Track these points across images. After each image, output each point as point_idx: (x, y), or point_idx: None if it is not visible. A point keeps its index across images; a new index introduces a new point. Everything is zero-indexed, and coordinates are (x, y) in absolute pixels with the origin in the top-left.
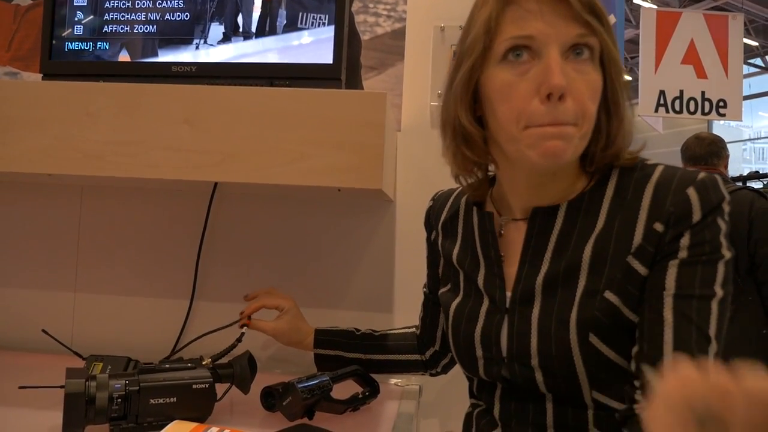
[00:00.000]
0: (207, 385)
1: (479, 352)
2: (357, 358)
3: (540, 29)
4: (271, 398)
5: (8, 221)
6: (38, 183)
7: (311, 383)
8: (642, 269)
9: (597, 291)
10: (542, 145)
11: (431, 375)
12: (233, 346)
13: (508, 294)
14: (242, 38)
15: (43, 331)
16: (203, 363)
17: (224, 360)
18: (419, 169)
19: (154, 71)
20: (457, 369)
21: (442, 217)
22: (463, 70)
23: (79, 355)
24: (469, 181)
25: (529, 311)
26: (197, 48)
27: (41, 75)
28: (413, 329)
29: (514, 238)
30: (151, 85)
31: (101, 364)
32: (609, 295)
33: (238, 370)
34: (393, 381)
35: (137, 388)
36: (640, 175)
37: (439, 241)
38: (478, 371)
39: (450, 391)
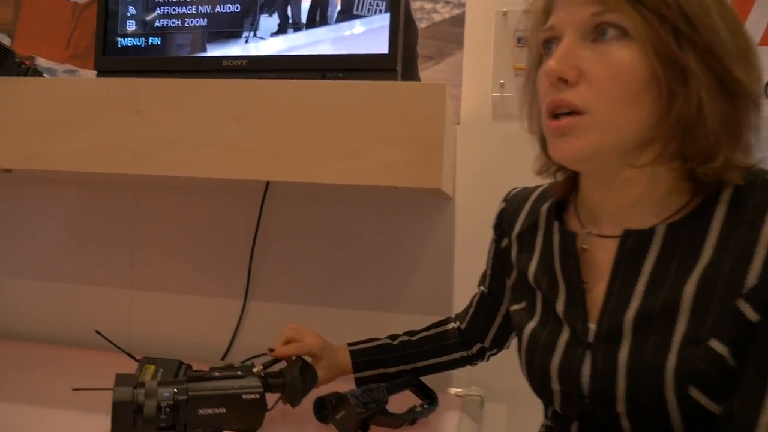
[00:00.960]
0: (257, 396)
1: (555, 386)
2: (401, 371)
3: (559, 17)
4: (324, 409)
5: (65, 218)
6: (94, 181)
7: (366, 396)
8: (753, 315)
9: (701, 339)
10: (550, 142)
11: (474, 365)
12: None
13: (591, 326)
14: (293, 30)
15: (97, 332)
16: (254, 370)
17: (276, 368)
18: (480, 165)
19: (205, 66)
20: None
21: (518, 227)
22: (526, 69)
23: (132, 357)
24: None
25: (615, 350)
26: (247, 42)
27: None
28: (453, 325)
29: (600, 259)
30: (199, 81)
31: (153, 367)
32: (715, 344)
33: (289, 380)
34: (453, 391)
35: (186, 397)
36: (762, 195)
37: (513, 253)
38: (553, 403)
39: (516, 401)
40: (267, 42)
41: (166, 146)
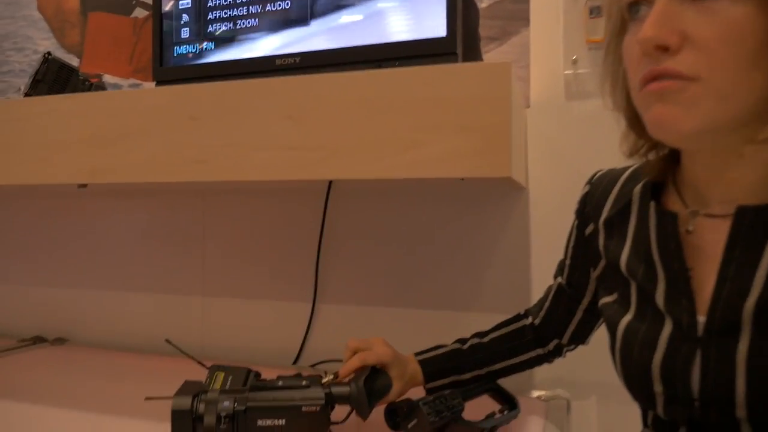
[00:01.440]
0: (317, 408)
1: (658, 388)
2: (475, 376)
3: None
4: (395, 416)
5: (136, 230)
6: (161, 191)
7: (439, 403)
8: None
9: None
10: (648, 113)
11: (550, 362)
12: None
13: (700, 319)
14: (343, 21)
15: (167, 341)
16: (322, 381)
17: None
18: (554, 150)
19: (259, 67)
20: (608, 364)
21: (606, 212)
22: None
23: (202, 364)
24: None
25: (732, 345)
26: (300, 38)
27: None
28: (526, 322)
29: (708, 242)
30: (250, 82)
31: (223, 374)
32: None
33: (354, 391)
34: (535, 394)
35: (244, 407)
36: None
37: (600, 240)
38: (655, 408)
39: (608, 399)
40: (319, 37)
41: (222, 151)
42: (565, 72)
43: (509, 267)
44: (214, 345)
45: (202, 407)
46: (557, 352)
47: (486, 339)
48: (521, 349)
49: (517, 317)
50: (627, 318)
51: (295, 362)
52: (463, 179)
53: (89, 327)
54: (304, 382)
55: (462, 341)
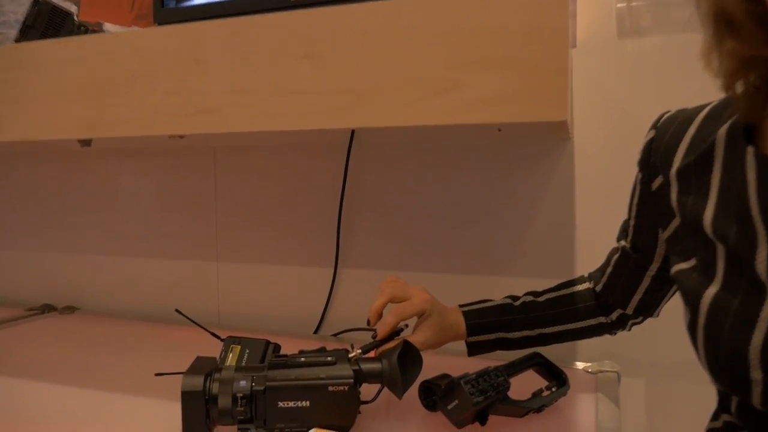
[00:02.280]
0: (346, 388)
1: (757, 374)
2: (525, 337)
3: None
4: (431, 394)
5: (145, 191)
6: (171, 148)
7: (483, 381)
8: None
9: None
10: None
11: (613, 335)
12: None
13: None
14: None
15: (177, 311)
16: (350, 355)
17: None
18: (604, 95)
19: (272, 2)
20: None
21: (678, 161)
22: None
23: (217, 336)
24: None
25: None
26: None
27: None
28: (587, 285)
29: None
30: (262, 17)
31: (239, 347)
32: None
33: (387, 368)
34: (580, 365)
35: (263, 387)
36: None
37: (672, 195)
38: (749, 396)
39: (656, 374)
40: None
41: (231, 98)
42: (618, 5)
43: (551, 228)
44: (230, 313)
45: (216, 387)
46: (621, 324)
47: (541, 298)
48: (581, 314)
49: (578, 280)
50: (712, 289)
51: (316, 331)
52: (500, 129)
53: (99, 294)
54: (329, 358)
55: (513, 297)
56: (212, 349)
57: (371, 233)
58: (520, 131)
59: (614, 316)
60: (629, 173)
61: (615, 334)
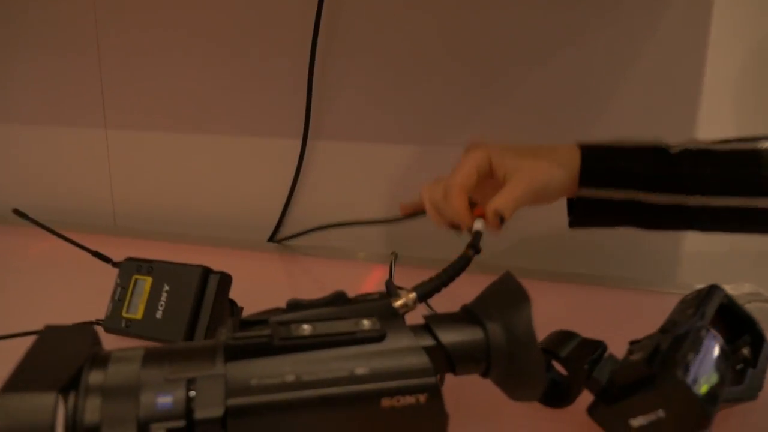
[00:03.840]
0: (423, 398)
1: None
2: (671, 206)
3: None
4: (558, 386)
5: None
6: None
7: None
8: None
9: None
10: None
11: None
12: (463, 264)
13: None
14: None
15: (16, 211)
16: (396, 304)
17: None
18: None
19: None
20: None
21: None
22: None
23: (106, 259)
24: None
25: None
26: None
27: None
28: None
29: None
30: None
31: (149, 281)
32: None
33: (499, 335)
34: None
35: (220, 413)
36: None
37: None
38: None
39: None
40: None
41: None
42: None
43: (643, 90)
44: (131, 211)
45: (91, 412)
46: None
47: (715, 147)
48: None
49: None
50: None
51: (272, 238)
52: None
53: None
54: (365, 323)
55: (661, 143)
56: (94, 284)
57: (354, 92)
58: None
59: None
60: None
61: None
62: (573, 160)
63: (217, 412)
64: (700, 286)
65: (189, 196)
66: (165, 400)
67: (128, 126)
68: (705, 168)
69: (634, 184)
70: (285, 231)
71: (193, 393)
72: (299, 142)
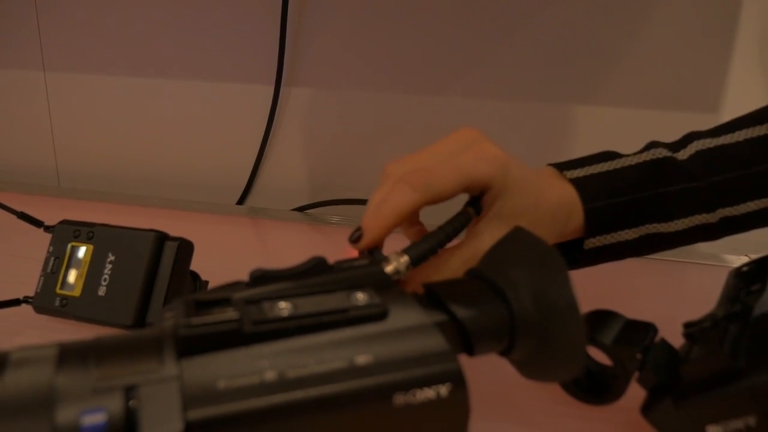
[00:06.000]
0: (447, 389)
1: None
2: (694, 228)
3: None
4: (597, 378)
5: None
6: None
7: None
8: None
9: None
10: None
11: None
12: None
13: None
14: None
15: None
16: (388, 269)
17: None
18: None
19: None
20: None
21: None
22: None
23: (36, 222)
24: None
25: None
26: None
27: None
28: None
29: None
30: None
31: (89, 249)
32: None
33: (527, 307)
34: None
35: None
36: None
37: None
38: None
39: None
40: None
41: None
42: None
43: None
44: (74, 166)
45: None
46: None
47: (727, 141)
48: None
49: None
50: None
51: (241, 201)
52: None
53: None
54: (360, 297)
55: (657, 146)
56: (22, 253)
57: (333, 33)
58: None
59: None
60: None
61: None
62: (566, 209)
63: (172, 429)
64: (732, 256)
65: (145, 150)
66: (94, 419)
67: (71, 68)
68: (725, 173)
69: (649, 219)
70: (255, 192)
71: (134, 404)
72: (271, 89)
